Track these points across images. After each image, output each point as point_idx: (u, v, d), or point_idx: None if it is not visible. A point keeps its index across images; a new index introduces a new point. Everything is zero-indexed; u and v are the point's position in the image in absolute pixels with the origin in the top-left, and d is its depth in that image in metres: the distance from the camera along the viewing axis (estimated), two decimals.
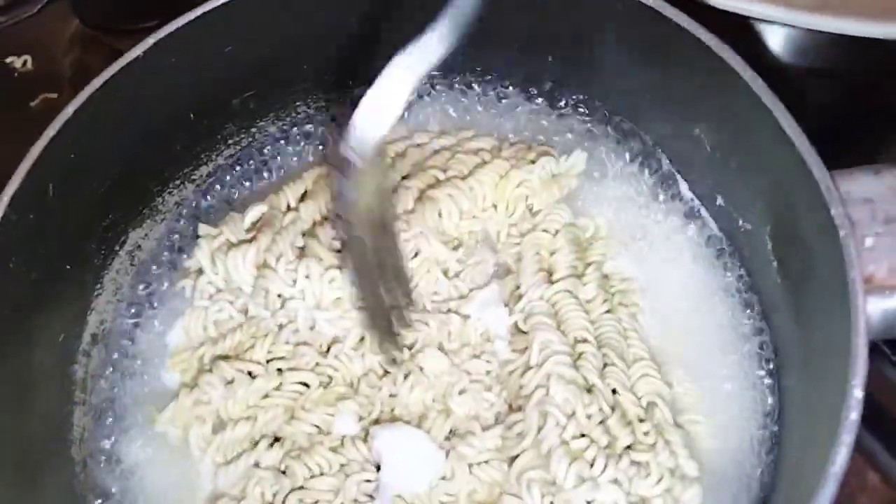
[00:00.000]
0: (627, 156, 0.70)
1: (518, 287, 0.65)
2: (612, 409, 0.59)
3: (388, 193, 0.63)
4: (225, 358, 0.63)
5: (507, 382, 0.62)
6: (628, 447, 0.57)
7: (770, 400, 0.60)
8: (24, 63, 0.96)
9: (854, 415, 0.45)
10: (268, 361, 0.63)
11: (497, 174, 0.67)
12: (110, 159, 0.62)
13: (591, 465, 0.56)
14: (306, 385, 0.62)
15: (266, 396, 0.61)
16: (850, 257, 0.49)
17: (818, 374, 0.53)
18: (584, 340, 0.62)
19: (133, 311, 0.67)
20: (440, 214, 0.66)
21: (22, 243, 0.55)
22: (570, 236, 0.66)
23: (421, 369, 0.61)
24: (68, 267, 0.61)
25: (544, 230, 0.67)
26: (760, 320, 0.62)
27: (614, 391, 0.60)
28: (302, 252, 0.64)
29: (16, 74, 0.96)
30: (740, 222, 0.64)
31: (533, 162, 0.67)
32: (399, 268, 0.61)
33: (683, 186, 0.68)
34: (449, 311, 0.64)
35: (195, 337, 0.65)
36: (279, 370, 0.62)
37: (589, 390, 0.60)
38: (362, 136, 0.47)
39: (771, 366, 0.61)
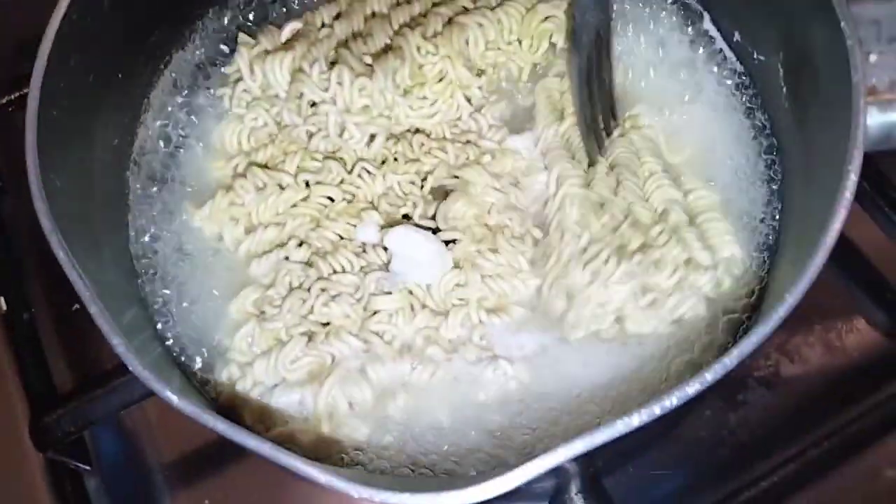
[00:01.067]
0: None
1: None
2: (626, 217, 0.64)
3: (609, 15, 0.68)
4: (259, 166, 0.67)
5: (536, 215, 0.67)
6: (642, 247, 0.62)
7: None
8: None
9: (854, 175, 0.49)
10: (296, 175, 0.67)
11: (524, 6, 0.70)
12: None
13: (606, 263, 0.61)
14: (331, 199, 0.67)
15: (294, 206, 0.66)
16: (854, 62, 0.52)
17: (820, 166, 0.57)
18: (596, 163, 0.67)
19: (179, 129, 0.71)
20: (467, 42, 0.69)
21: (81, 43, 0.58)
22: None
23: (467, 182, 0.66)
24: (119, 76, 0.65)
25: (556, 75, 0.70)
26: (769, 137, 0.67)
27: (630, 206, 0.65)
28: (334, 64, 0.68)
29: None
30: (755, 55, 0.68)
31: None
32: (608, 83, 0.67)
33: (707, 21, 0.71)
34: (468, 142, 0.68)
35: (231, 149, 0.69)
36: (307, 183, 0.67)
37: (602, 205, 0.65)
38: None
39: (776, 168, 0.66)
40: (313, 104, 0.68)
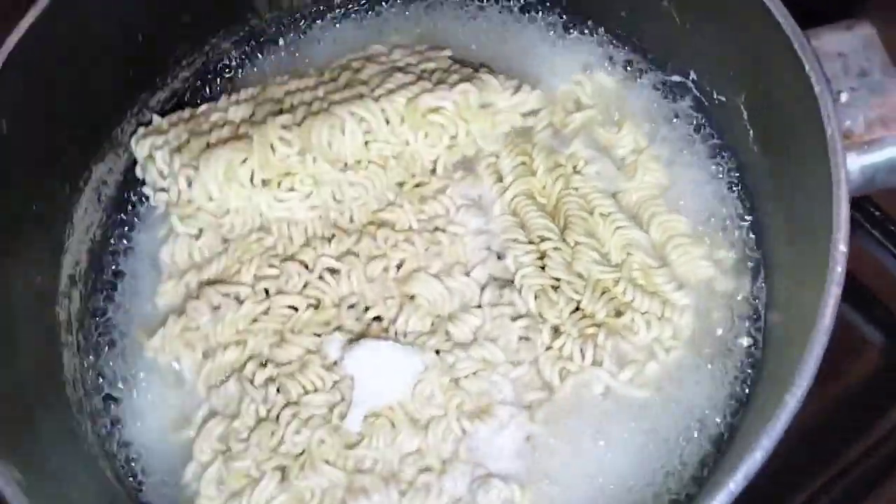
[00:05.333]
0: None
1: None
2: (586, 284, 0.60)
3: None
4: (212, 283, 0.62)
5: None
6: (612, 314, 0.59)
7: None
8: None
9: (840, 267, 0.46)
10: (254, 286, 0.62)
11: (407, 97, 0.63)
12: (62, 90, 0.59)
13: (572, 359, 0.58)
14: (294, 308, 0.61)
15: (254, 321, 0.61)
16: (826, 112, 0.49)
17: (802, 234, 0.54)
18: (546, 239, 0.62)
19: (109, 248, 0.66)
20: (343, 132, 0.62)
21: None
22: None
23: (412, 298, 0.61)
24: (34, 207, 0.59)
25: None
26: (739, 187, 0.63)
27: (580, 275, 0.61)
28: None
29: None
30: (714, 94, 0.64)
31: (451, 87, 0.63)
32: None
33: (655, 64, 0.67)
34: (436, 229, 0.63)
35: (181, 263, 0.63)
36: (266, 291, 0.62)
37: (555, 288, 0.61)
38: None
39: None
40: None
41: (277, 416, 0.58)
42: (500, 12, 0.71)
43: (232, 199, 0.61)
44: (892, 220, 0.71)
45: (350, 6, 0.73)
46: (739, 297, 0.60)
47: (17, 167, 0.57)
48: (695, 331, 0.60)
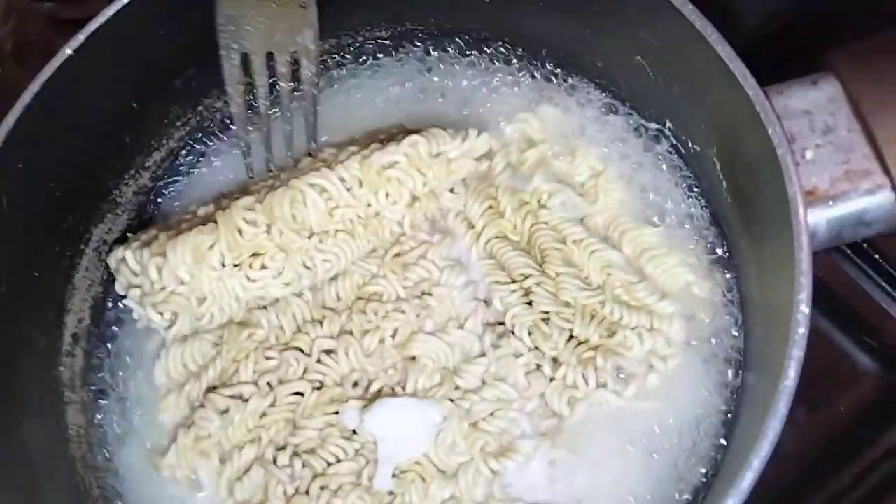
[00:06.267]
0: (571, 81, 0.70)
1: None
2: (574, 312, 0.63)
3: None
4: (212, 389, 0.63)
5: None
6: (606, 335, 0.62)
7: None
8: None
9: (802, 330, 0.47)
10: (256, 382, 0.63)
11: (359, 159, 0.64)
12: (59, 162, 0.62)
13: (577, 387, 0.61)
14: (300, 394, 0.63)
15: (264, 415, 0.62)
16: (788, 175, 0.50)
17: (771, 285, 0.55)
18: (528, 276, 0.64)
19: (110, 304, 0.69)
20: (306, 204, 0.63)
21: None
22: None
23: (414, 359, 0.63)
24: (35, 274, 0.62)
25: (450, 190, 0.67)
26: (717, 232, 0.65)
27: (567, 304, 0.63)
28: None
29: None
30: (689, 144, 0.65)
31: (399, 142, 0.64)
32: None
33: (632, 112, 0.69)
34: (423, 293, 0.65)
35: (177, 376, 0.65)
36: (269, 385, 0.63)
37: (545, 321, 0.63)
38: None
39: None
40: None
41: (307, 491, 0.59)
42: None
43: (204, 283, 0.62)
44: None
45: None
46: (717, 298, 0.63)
47: (16, 239, 0.59)
48: (686, 334, 0.62)
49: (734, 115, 0.55)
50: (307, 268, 0.64)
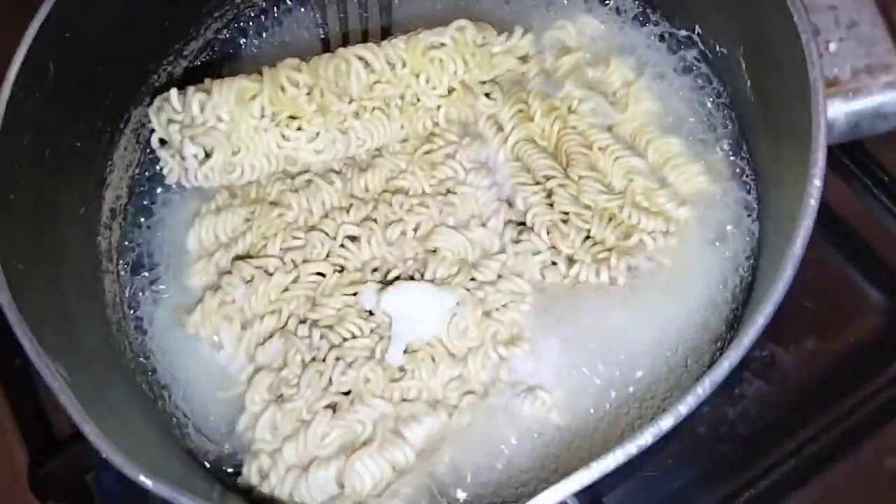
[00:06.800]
0: None
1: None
2: (593, 214, 0.64)
3: None
4: (240, 258, 0.65)
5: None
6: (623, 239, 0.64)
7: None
8: None
9: (813, 201, 0.49)
10: (282, 257, 0.65)
11: (407, 37, 0.65)
12: (104, 37, 0.64)
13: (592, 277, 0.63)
14: (322, 274, 0.65)
15: (286, 290, 0.64)
16: (811, 59, 0.51)
17: (788, 173, 0.57)
18: (551, 177, 0.66)
19: (145, 186, 0.71)
20: (349, 75, 0.65)
21: (32, 120, 0.58)
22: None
23: (435, 251, 0.65)
24: (78, 144, 0.64)
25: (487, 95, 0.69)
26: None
27: (587, 206, 0.65)
28: None
29: None
30: (717, 48, 0.66)
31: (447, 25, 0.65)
32: None
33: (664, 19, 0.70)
34: (448, 191, 0.67)
35: (208, 244, 0.67)
36: (293, 263, 0.65)
37: (565, 221, 0.65)
38: None
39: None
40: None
41: (324, 359, 0.62)
42: None
43: (242, 130, 0.63)
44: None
45: None
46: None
47: (61, 107, 0.61)
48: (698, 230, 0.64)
49: (762, 9, 0.56)
50: (342, 133, 0.65)
